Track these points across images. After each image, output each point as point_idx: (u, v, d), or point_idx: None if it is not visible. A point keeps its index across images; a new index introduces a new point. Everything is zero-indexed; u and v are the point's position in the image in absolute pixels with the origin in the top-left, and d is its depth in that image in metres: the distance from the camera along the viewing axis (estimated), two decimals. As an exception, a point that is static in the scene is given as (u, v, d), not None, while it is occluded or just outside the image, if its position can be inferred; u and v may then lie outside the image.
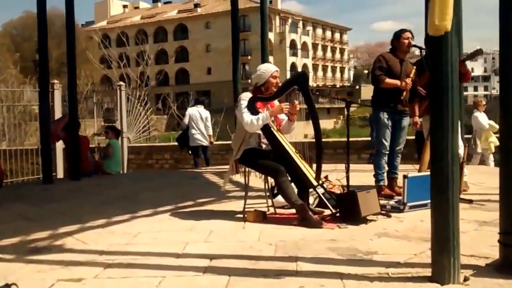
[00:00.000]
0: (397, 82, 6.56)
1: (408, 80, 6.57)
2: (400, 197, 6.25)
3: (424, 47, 6.90)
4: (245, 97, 5.62)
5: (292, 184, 5.55)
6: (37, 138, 14.80)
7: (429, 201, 5.71)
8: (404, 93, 6.63)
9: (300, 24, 76.83)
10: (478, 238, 4.60)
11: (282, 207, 5.99)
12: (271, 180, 5.97)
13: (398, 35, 6.65)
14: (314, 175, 5.56)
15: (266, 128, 5.57)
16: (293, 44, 74.23)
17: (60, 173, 12.14)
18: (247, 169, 5.94)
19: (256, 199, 6.47)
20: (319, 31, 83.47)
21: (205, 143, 12.37)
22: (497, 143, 11.17)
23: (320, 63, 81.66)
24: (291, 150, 5.60)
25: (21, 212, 6.80)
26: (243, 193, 6.77)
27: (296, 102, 5.70)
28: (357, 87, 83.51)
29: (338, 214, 5.44)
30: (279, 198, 5.89)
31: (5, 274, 4.02)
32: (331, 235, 4.86)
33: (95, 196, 7.96)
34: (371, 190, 5.49)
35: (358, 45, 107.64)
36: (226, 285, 3.59)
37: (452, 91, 3.25)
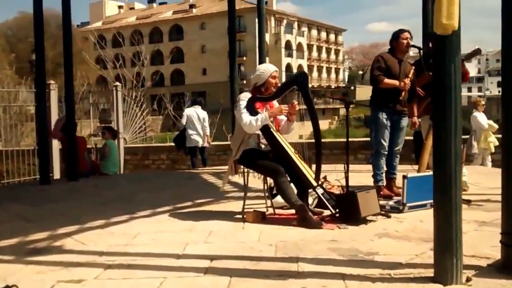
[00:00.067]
0: (396, 82, 6.55)
1: (407, 81, 6.57)
2: (399, 198, 6.25)
3: (422, 47, 6.92)
4: (244, 97, 5.60)
5: (292, 184, 5.53)
6: (33, 138, 14.79)
7: (428, 201, 5.81)
8: (403, 93, 6.62)
9: (295, 25, 76.85)
10: (478, 238, 4.60)
11: (281, 208, 5.98)
12: (270, 181, 5.97)
13: (396, 36, 6.64)
14: (313, 175, 5.55)
15: (265, 129, 5.56)
16: (288, 45, 74.22)
17: (56, 174, 12.10)
18: (246, 169, 5.92)
19: (254, 200, 6.45)
20: (314, 32, 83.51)
21: (202, 143, 12.35)
22: (497, 143, 11.21)
23: (315, 64, 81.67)
24: (290, 151, 5.59)
25: (19, 212, 6.77)
26: (241, 194, 6.77)
27: (295, 102, 5.68)
28: (352, 87, 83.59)
29: (337, 215, 5.44)
30: (278, 199, 5.88)
31: (5, 276, 4.00)
32: (331, 236, 4.85)
33: (93, 197, 7.93)
34: (371, 191, 5.48)
35: (353, 46, 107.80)
36: (227, 286, 3.58)
37: (455, 91, 3.24)
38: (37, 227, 5.72)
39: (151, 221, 5.92)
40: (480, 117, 11.69)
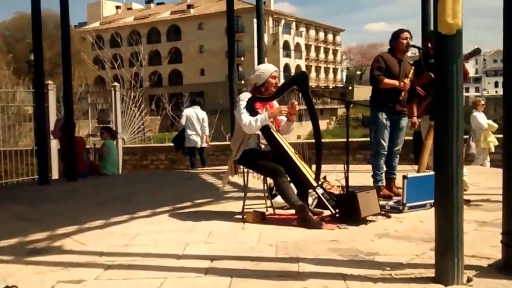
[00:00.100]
0: (396, 82, 6.54)
1: (407, 81, 6.56)
2: (399, 198, 6.25)
3: (422, 47, 6.92)
4: (244, 97, 5.60)
5: (292, 184, 5.53)
6: (31, 139, 14.78)
7: (428, 201, 5.81)
8: (403, 93, 6.62)
9: (293, 25, 76.86)
10: (478, 238, 4.60)
11: (281, 208, 5.98)
12: (269, 181, 5.96)
13: (396, 35, 6.64)
14: (313, 176, 5.55)
15: (265, 129, 5.55)
16: (286, 45, 74.24)
17: (55, 174, 12.08)
18: (245, 169, 5.91)
19: (254, 200, 6.44)
20: (312, 32, 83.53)
21: (201, 144, 12.35)
22: (496, 143, 11.22)
23: (313, 64, 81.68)
24: (290, 151, 5.58)
25: (18, 213, 6.76)
26: (240, 194, 6.77)
27: (295, 102, 5.67)
28: (350, 88, 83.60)
29: (337, 215, 5.43)
30: (278, 199, 5.88)
31: (4, 276, 3.99)
32: (332, 236, 4.84)
33: (92, 197, 7.91)
34: (371, 191, 5.48)
35: (350, 46, 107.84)
36: (228, 287, 3.57)
37: (457, 91, 3.23)
38: (37, 227, 5.70)
39: (151, 221, 5.91)
40: (480, 117, 11.70)
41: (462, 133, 3.38)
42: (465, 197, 6.06)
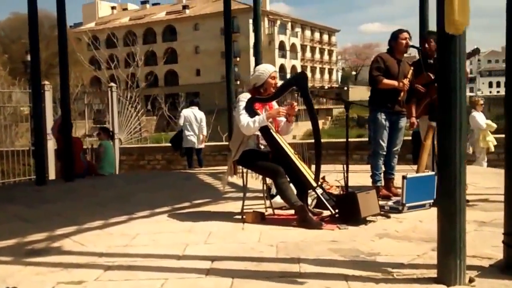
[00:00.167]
0: (395, 82, 6.54)
1: (406, 81, 6.56)
2: (398, 198, 6.26)
3: (421, 47, 6.92)
4: (244, 98, 5.59)
5: (291, 185, 5.51)
6: (27, 139, 14.74)
7: (427, 201, 5.82)
8: (402, 93, 6.62)
9: (289, 25, 76.89)
10: (479, 238, 4.60)
11: (280, 208, 5.97)
12: (268, 181, 5.95)
13: (395, 36, 6.63)
14: (313, 176, 5.54)
15: (264, 129, 5.55)
16: (282, 45, 74.28)
17: (51, 174, 12.05)
18: (245, 170, 5.90)
19: (253, 200, 6.42)
20: (307, 32, 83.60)
21: (200, 145, 12.34)
22: (495, 142, 11.24)
23: (308, 65, 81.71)
24: (290, 151, 5.57)
25: (16, 213, 6.74)
26: (239, 194, 6.76)
27: (295, 103, 5.67)
28: (345, 88, 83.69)
29: (337, 215, 5.42)
30: (277, 199, 5.88)
31: (4, 277, 3.98)
32: (332, 236, 4.84)
33: (90, 197, 7.90)
34: (371, 191, 5.48)
35: (346, 47, 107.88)
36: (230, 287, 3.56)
37: (460, 91, 3.23)
38: (35, 228, 5.69)
39: (150, 221, 5.90)
40: (479, 117, 11.71)
41: (466, 133, 3.37)
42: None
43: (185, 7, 77.76)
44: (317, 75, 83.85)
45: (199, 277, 3.79)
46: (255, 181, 6.69)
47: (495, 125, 11.69)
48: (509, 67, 3.53)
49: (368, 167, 7.08)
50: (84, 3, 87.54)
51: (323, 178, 6.68)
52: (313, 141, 5.64)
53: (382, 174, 6.86)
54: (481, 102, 12.24)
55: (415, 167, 7.29)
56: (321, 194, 5.70)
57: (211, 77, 65.30)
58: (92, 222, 5.81)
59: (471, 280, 3.46)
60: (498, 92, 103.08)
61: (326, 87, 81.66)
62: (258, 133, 5.60)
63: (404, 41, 6.57)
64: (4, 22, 61.31)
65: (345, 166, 5.72)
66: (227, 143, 13.88)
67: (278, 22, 74.24)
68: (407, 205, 5.73)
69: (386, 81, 6.54)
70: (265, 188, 6.01)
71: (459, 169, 3.31)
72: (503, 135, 11.59)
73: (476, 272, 3.62)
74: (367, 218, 5.32)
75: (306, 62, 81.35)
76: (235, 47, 62.20)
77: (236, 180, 6.78)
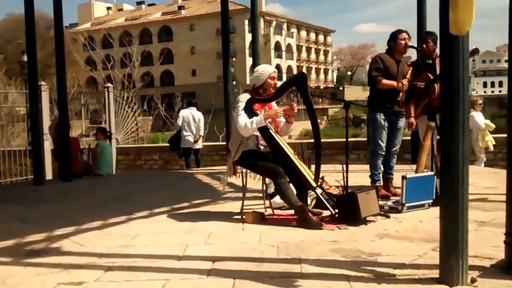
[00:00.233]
0: (394, 83, 6.54)
1: (405, 81, 6.56)
2: (397, 198, 6.26)
3: (419, 48, 6.92)
4: (243, 98, 5.57)
5: (291, 185, 5.50)
6: (23, 139, 14.71)
7: (426, 201, 5.82)
8: (401, 94, 6.62)
9: (285, 26, 76.93)
10: (479, 238, 4.58)
11: (280, 208, 5.95)
12: (267, 181, 5.94)
13: (394, 36, 6.62)
14: (312, 176, 5.53)
15: (264, 130, 5.54)
16: (277, 46, 74.32)
17: (48, 174, 12.02)
18: (244, 170, 5.89)
19: (252, 200, 6.40)
20: (303, 33, 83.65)
21: (196, 145, 12.32)
22: (494, 142, 11.26)
23: (304, 65, 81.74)
24: (289, 152, 5.56)
25: (15, 213, 6.71)
26: (237, 194, 6.75)
27: (294, 104, 5.66)
28: (341, 88, 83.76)
29: (336, 215, 5.42)
30: (276, 199, 5.87)
31: (4, 278, 3.96)
32: (332, 237, 4.83)
33: (89, 198, 7.88)
34: (371, 191, 5.48)
35: (341, 47, 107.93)
36: (232, 288, 3.56)
37: (463, 91, 3.22)
38: (34, 228, 5.66)
39: (149, 222, 5.88)
40: (478, 117, 11.72)
41: (468, 133, 3.37)
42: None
43: (180, 7, 77.69)
44: (313, 75, 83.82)
45: (201, 278, 3.78)
46: (253, 181, 6.70)
47: (493, 125, 11.71)
48: (511, 66, 3.52)
49: (366, 166, 7.08)
50: (79, 4, 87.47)
51: (322, 178, 6.67)
52: (312, 141, 5.63)
53: (381, 174, 6.86)
54: (480, 102, 12.24)
55: (413, 166, 7.29)
56: (321, 194, 5.70)
57: (207, 77, 65.31)
58: (91, 223, 5.78)
59: (473, 281, 3.46)
60: (492, 92, 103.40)
61: (321, 87, 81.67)
62: (258, 133, 5.59)
63: (403, 42, 6.56)
64: (-1, 22, 61.13)
65: (344, 166, 5.71)
66: (224, 143, 13.88)
67: (274, 22, 74.27)
68: (406, 205, 5.73)
69: (385, 81, 6.54)
70: (264, 188, 5.99)
71: (461, 169, 3.31)
72: (500, 135, 11.62)
73: (478, 272, 3.61)
74: (367, 218, 5.31)
75: (301, 63, 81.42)
76: (230, 48, 62.17)
77: (235, 180, 6.77)
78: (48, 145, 11.91)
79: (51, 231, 5.46)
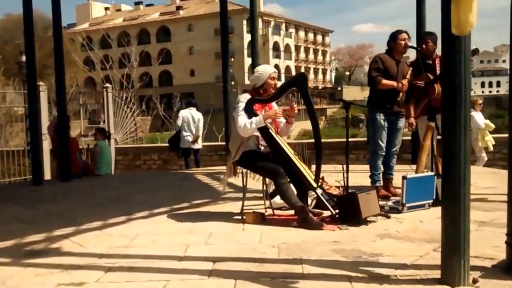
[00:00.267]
0: (394, 83, 6.54)
1: (405, 81, 6.56)
2: (397, 198, 6.26)
3: (419, 48, 6.91)
4: (244, 98, 5.56)
5: (291, 185, 5.49)
6: (21, 139, 14.70)
7: (426, 201, 5.82)
8: (401, 94, 6.62)
9: (283, 26, 76.92)
10: (479, 238, 4.57)
11: (279, 209, 5.95)
12: (267, 181, 5.93)
13: (394, 36, 6.62)
14: (313, 176, 5.52)
15: (264, 130, 5.53)
16: (276, 46, 74.30)
17: (47, 175, 12.00)
18: (244, 170, 5.88)
19: (252, 200, 6.39)
20: (301, 33, 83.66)
21: (196, 146, 12.31)
22: (493, 142, 11.27)
23: (302, 65, 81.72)
24: (290, 152, 5.55)
25: (14, 214, 6.69)
26: (237, 194, 6.75)
27: (295, 105, 5.65)
28: (339, 88, 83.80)
29: (337, 215, 5.41)
30: (277, 199, 5.86)
31: (4, 279, 3.95)
32: (333, 237, 4.82)
33: (88, 198, 7.86)
34: (371, 191, 5.47)
35: (339, 47, 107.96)
36: (233, 289, 3.54)
37: (465, 91, 3.21)
38: (33, 228, 5.64)
39: (149, 222, 5.86)
40: (477, 117, 11.73)
41: (470, 133, 3.36)
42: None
43: (179, 8, 77.62)
44: (311, 76, 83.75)
45: (202, 279, 3.77)
46: (253, 182, 6.69)
47: (493, 125, 11.71)
48: (512, 67, 3.52)
49: (365, 167, 7.08)
50: (77, 4, 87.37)
51: (322, 178, 6.66)
52: (312, 141, 5.63)
53: (381, 174, 6.86)
54: (480, 102, 12.24)
55: (413, 166, 7.29)
56: (321, 194, 5.69)
57: (205, 77, 65.25)
58: (91, 223, 5.77)
59: (474, 281, 3.46)
60: (490, 92, 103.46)
61: (320, 88, 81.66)
62: (258, 134, 5.58)
63: (403, 42, 6.56)
64: (-3, 23, 61.03)
65: (345, 166, 5.70)
66: (223, 143, 13.87)
67: (272, 23, 74.24)
68: (407, 205, 5.72)
69: (385, 81, 6.54)
70: (265, 188, 5.98)
71: (463, 170, 3.30)
72: (498, 135, 11.61)
73: (479, 272, 3.61)
74: (368, 219, 5.31)
75: (300, 63, 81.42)
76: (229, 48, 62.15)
77: (234, 180, 6.76)
78: (46, 145, 11.89)
79: (51, 231, 5.45)
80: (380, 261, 4.03)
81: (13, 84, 22.86)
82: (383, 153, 6.72)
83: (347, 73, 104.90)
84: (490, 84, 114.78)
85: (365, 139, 12.45)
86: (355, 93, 71.63)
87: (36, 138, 9.76)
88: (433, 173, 6.05)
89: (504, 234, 3.71)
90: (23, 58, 14.72)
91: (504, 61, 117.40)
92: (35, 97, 9.86)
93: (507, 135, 3.68)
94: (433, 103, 6.47)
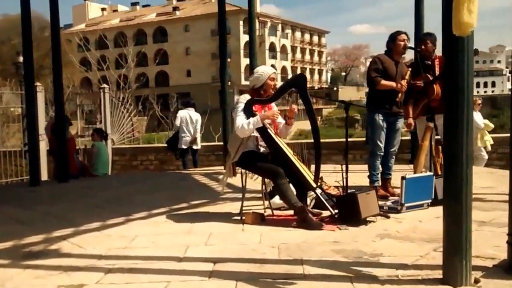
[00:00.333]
0: (393, 84, 6.55)
1: (404, 82, 6.56)
2: (395, 198, 6.26)
3: (418, 49, 6.92)
4: (243, 99, 5.56)
5: (291, 186, 5.48)
6: (18, 140, 14.66)
7: (425, 201, 5.82)
8: (399, 95, 6.62)
9: (279, 27, 76.97)
10: (480, 238, 4.56)
11: (279, 209, 5.94)
12: (266, 182, 5.91)
13: (393, 37, 6.63)
14: (312, 177, 5.51)
15: (263, 131, 5.52)
16: (272, 47, 74.37)
17: (44, 175, 11.96)
18: (243, 171, 5.86)
19: (251, 201, 6.37)
20: (297, 34, 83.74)
21: (194, 146, 12.29)
22: (492, 142, 11.30)
23: (298, 66, 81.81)
24: (289, 152, 5.54)
25: (12, 215, 6.65)
26: (236, 195, 6.73)
27: (294, 106, 5.64)
28: (335, 88, 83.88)
29: (336, 216, 5.40)
30: (276, 200, 5.85)
31: (3, 280, 3.92)
32: (333, 237, 4.81)
33: (86, 198, 7.83)
34: (371, 192, 5.46)
35: (335, 48, 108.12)
36: (234, 290, 3.53)
37: (467, 91, 3.20)
38: (32, 230, 5.61)
39: (148, 223, 5.83)
40: (477, 117, 11.73)
41: (472, 133, 3.35)
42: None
43: (175, 8, 77.59)
44: (307, 76, 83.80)
45: (202, 280, 3.75)
46: (252, 182, 6.68)
47: (492, 125, 11.73)
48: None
49: (362, 166, 7.09)
50: (73, 5, 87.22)
51: (321, 178, 6.65)
52: (311, 141, 5.61)
53: (380, 174, 6.85)
54: (479, 101, 12.25)
55: (411, 166, 7.29)
56: (320, 194, 5.68)
57: (202, 78, 65.28)
58: (90, 224, 5.74)
59: (476, 281, 3.45)
60: (485, 92, 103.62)
61: (316, 88, 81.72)
62: (257, 134, 5.57)
63: (402, 43, 6.58)
64: (-7, 23, 60.89)
65: (344, 166, 5.70)
66: (220, 143, 13.84)
67: (269, 23, 74.30)
68: (405, 205, 5.72)
69: (384, 82, 6.54)
70: (264, 188, 5.97)
71: (465, 169, 3.30)
72: (494, 135, 11.64)
73: (481, 272, 3.61)
74: (367, 219, 5.30)
75: (296, 63, 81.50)
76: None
77: (233, 180, 6.74)
78: (43, 145, 11.86)
79: (49, 232, 5.42)
80: (381, 261, 4.02)
81: (10, 84, 22.82)
82: (382, 154, 6.73)
83: (343, 73, 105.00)
84: (485, 85, 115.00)
85: (361, 139, 12.49)
86: (351, 94, 71.72)
87: (33, 138, 9.72)
88: (431, 173, 6.05)
89: (505, 234, 3.71)
90: (20, 59, 14.71)
91: (499, 61, 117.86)
92: (32, 97, 9.82)
93: (503, 134, 3.69)
94: (432, 103, 6.48)
